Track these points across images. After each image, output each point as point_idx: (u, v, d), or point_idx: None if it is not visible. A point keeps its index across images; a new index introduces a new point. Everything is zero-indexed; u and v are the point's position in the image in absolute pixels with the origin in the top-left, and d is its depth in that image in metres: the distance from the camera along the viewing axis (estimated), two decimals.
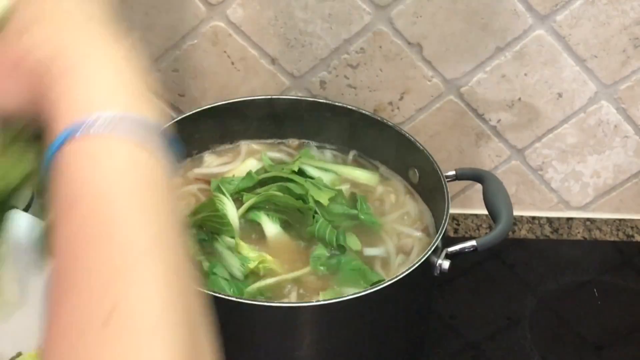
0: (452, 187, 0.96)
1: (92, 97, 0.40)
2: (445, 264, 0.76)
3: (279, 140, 0.93)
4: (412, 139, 0.86)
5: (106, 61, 0.42)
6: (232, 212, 0.80)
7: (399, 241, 0.83)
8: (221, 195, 0.81)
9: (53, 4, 0.43)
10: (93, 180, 0.38)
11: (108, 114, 0.39)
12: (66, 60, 0.41)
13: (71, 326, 0.35)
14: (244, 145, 0.92)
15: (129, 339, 0.34)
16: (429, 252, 0.73)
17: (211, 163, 0.90)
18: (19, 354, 0.71)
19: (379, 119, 0.89)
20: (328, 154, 0.92)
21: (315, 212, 0.80)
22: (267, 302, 0.70)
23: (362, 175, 0.89)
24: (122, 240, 0.37)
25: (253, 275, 0.76)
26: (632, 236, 1.11)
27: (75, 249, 0.37)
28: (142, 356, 0.34)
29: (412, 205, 0.87)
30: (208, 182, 0.86)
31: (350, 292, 0.71)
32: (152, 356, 0.34)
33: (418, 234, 0.84)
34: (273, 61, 0.95)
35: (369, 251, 0.81)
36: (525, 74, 0.97)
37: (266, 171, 0.87)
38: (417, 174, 0.88)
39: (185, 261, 0.39)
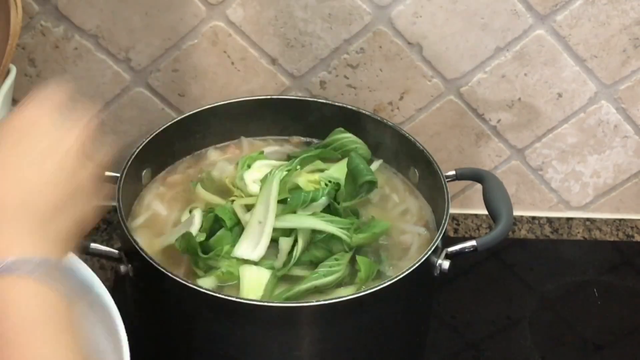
0: (452, 187, 0.96)
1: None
2: (445, 264, 0.76)
3: (280, 138, 0.93)
4: (412, 139, 0.86)
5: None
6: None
7: (399, 237, 0.83)
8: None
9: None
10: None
11: (11, 258, 0.47)
12: None
13: None
14: (245, 141, 0.92)
15: None
16: (429, 252, 0.73)
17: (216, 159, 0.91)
18: None
19: (379, 119, 0.89)
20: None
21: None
22: (267, 302, 0.70)
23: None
24: None
25: None
26: (632, 236, 1.11)
27: None
28: None
29: (413, 202, 0.87)
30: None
31: None
32: None
33: (418, 229, 0.84)
34: (273, 61, 0.95)
35: None
36: (525, 74, 0.97)
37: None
38: (417, 174, 0.88)
39: None
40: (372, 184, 0.82)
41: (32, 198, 0.51)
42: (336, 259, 0.74)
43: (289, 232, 0.76)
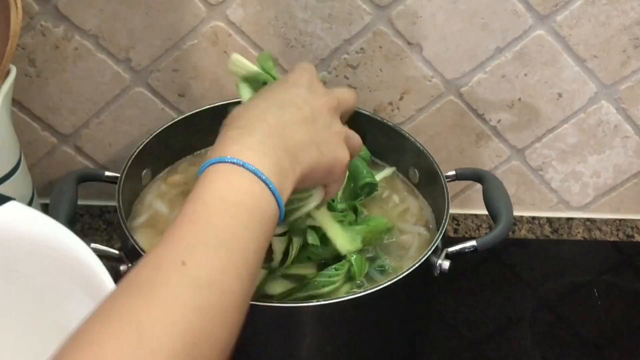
0: (452, 187, 0.97)
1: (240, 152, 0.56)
2: (445, 264, 0.76)
3: None
4: (412, 139, 0.86)
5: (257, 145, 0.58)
6: None
7: (399, 237, 0.83)
8: None
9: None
10: (218, 188, 0.54)
11: (251, 165, 0.55)
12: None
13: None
14: None
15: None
16: (429, 252, 0.73)
17: None
18: None
19: (379, 119, 0.89)
20: None
21: None
22: (267, 302, 0.70)
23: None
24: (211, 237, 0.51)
25: None
26: (632, 236, 1.11)
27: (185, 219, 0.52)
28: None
29: (413, 202, 0.87)
30: None
31: None
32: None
33: (418, 229, 0.84)
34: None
35: None
36: (525, 74, 0.97)
37: None
38: (417, 174, 0.88)
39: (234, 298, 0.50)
40: (372, 186, 0.82)
41: (282, 128, 0.59)
42: (335, 269, 0.74)
43: (282, 232, 0.76)
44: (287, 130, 0.60)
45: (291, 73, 0.68)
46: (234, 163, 0.55)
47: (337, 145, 0.64)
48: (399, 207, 0.87)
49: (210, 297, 0.47)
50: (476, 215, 1.10)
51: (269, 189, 0.55)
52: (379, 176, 0.87)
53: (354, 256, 0.74)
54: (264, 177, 0.55)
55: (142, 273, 0.48)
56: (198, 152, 0.91)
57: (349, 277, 0.74)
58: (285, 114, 0.61)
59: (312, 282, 0.73)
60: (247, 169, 0.55)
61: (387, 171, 0.89)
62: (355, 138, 0.69)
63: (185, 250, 0.49)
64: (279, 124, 0.60)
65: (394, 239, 0.82)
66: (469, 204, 1.10)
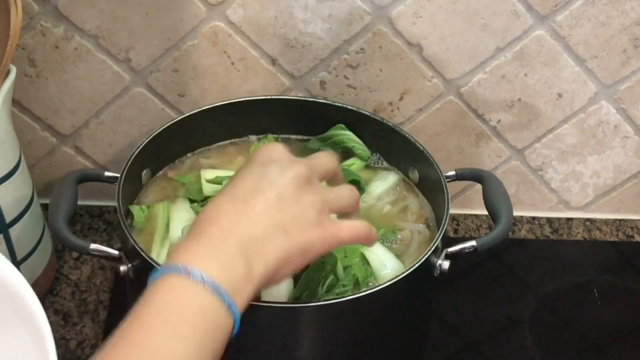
0: (452, 187, 0.96)
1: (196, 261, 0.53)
2: (445, 264, 0.76)
3: (279, 138, 0.93)
4: (412, 139, 0.86)
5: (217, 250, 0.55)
6: None
7: (399, 234, 0.83)
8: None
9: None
10: (161, 302, 0.52)
11: (199, 272, 0.52)
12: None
13: None
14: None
15: None
16: (429, 253, 0.73)
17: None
18: None
19: (379, 119, 0.89)
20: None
21: None
22: (267, 302, 0.70)
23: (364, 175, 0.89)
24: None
25: None
26: (632, 236, 1.11)
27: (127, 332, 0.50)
28: None
29: (413, 200, 0.87)
30: None
31: None
32: None
33: (418, 227, 0.84)
34: (273, 61, 0.95)
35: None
36: (525, 74, 0.97)
37: None
38: (417, 174, 0.88)
39: None
40: (357, 184, 0.83)
41: (237, 226, 0.55)
42: (343, 285, 0.74)
43: None
44: (243, 228, 0.55)
45: (257, 151, 0.63)
46: (180, 274, 0.52)
47: (310, 221, 0.58)
48: (399, 205, 0.87)
49: None
50: (476, 215, 1.10)
51: (220, 299, 0.52)
52: (383, 186, 0.88)
53: (357, 266, 0.75)
54: (212, 287, 0.51)
55: None
56: (198, 151, 0.91)
57: (355, 285, 0.75)
58: (242, 207, 0.57)
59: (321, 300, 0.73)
60: (194, 279, 0.51)
61: (392, 177, 0.89)
62: (345, 194, 0.63)
63: None
64: (233, 222, 0.55)
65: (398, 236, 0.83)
66: (469, 204, 1.10)
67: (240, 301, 0.53)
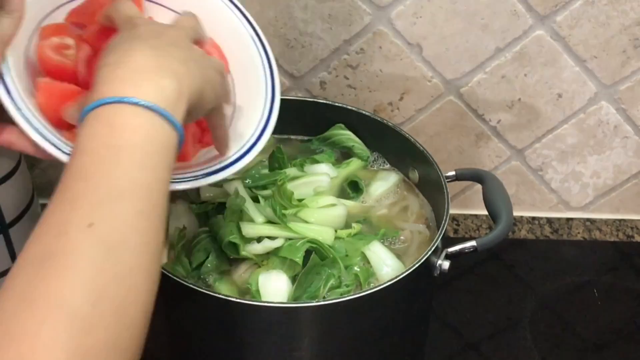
0: (452, 188, 0.97)
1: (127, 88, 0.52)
2: (445, 265, 0.76)
3: (280, 137, 0.93)
4: (412, 140, 0.86)
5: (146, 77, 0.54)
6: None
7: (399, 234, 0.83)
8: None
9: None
10: (100, 135, 0.50)
11: (128, 96, 0.51)
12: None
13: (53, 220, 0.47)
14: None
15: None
16: (429, 253, 0.73)
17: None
18: None
19: (379, 119, 0.89)
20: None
21: None
22: (267, 302, 0.70)
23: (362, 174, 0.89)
24: (113, 178, 0.48)
25: None
26: (632, 236, 1.11)
27: (80, 169, 0.49)
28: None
29: (413, 200, 0.87)
30: None
31: None
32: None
33: (418, 227, 0.84)
34: None
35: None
36: (525, 75, 0.97)
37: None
38: (417, 175, 0.88)
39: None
40: (355, 184, 0.84)
41: (155, 50, 0.56)
42: (346, 285, 0.74)
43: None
44: (160, 52, 0.55)
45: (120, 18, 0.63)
46: (110, 103, 0.50)
47: (208, 60, 0.61)
48: (399, 205, 0.87)
49: (125, 255, 0.45)
50: (476, 216, 1.10)
51: (158, 114, 0.51)
52: (384, 186, 0.88)
53: (360, 269, 0.75)
54: (147, 104, 0.50)
55: (48, 242, 0.45)
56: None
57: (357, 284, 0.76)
58: (150, 41, 0.57)
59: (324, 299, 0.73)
60: (127, 102, 0.50)
61: (393, 178, 0.89)
62: (191, 21, 0.65)
63: (88, 211, 0.46)
64: (150, 47, 0.56)
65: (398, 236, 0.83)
66: (469, 204, 1.10)
67: (179, 117, 0.53)
